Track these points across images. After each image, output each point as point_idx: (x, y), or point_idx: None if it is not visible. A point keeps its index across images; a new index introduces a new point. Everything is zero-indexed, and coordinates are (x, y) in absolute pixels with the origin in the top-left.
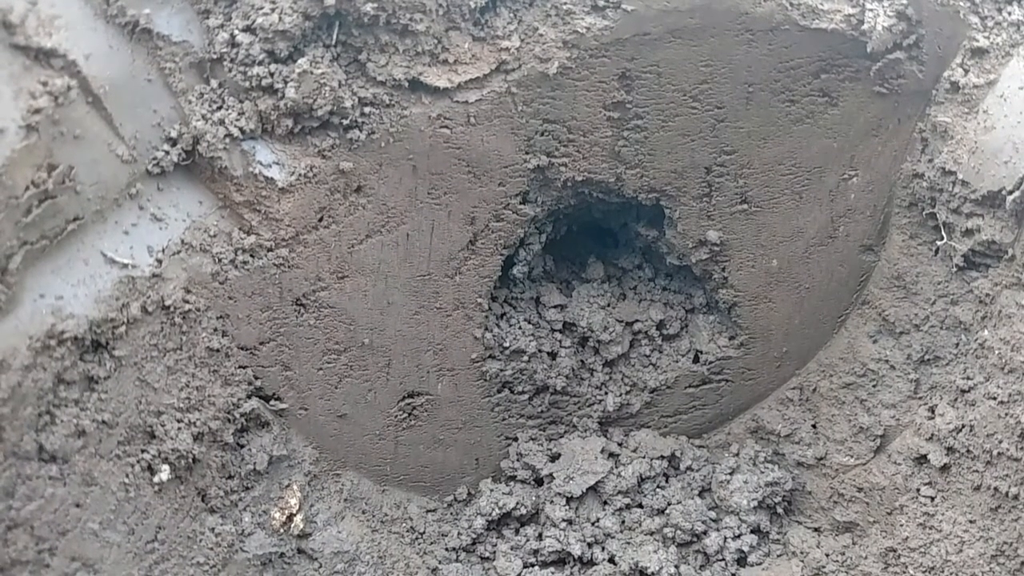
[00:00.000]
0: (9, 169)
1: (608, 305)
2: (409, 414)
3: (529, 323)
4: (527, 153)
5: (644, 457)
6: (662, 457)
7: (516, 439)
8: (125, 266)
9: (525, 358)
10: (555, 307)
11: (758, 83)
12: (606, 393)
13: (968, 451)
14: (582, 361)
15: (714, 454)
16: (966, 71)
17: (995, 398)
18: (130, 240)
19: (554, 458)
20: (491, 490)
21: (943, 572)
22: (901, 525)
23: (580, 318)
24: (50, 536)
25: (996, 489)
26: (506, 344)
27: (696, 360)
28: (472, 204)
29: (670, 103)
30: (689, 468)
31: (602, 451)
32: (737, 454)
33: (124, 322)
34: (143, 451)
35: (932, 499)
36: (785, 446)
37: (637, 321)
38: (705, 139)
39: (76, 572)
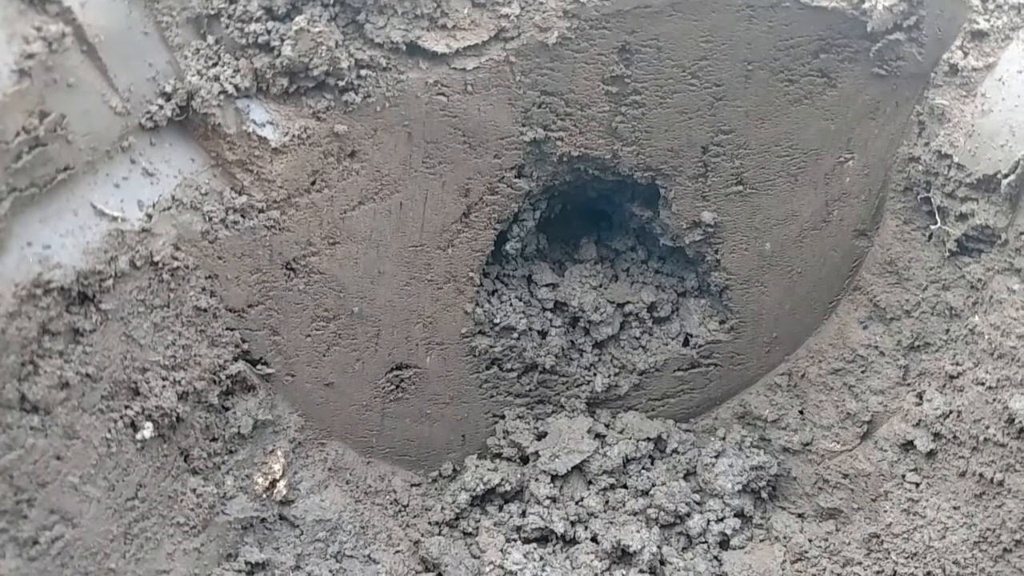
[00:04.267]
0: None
1: (600, 286)
2: (396, 386)
3: (520, 301)
4: (523, 125)
5: (630, 438)
6: (648, 439)
7: (503, 417)
8: (115, 219)
9: (515, 335)
10: (547, 286)
11: (757, 61)
12: (595, 374)
13: (955, 437)
14: (572, 341)
15: (700, 438)
16: (965, 54)
17: (983, 383)
18: (120, 193)
19: (540, 437)
20: (476, 466)
21: (925, 558)
22: (885, 511)
23: (571, 298)
24: (29, 487)
25: (981, 475)
26: (496, 320)
27: (686, 343)
28: (467, 175)
29: (669, 79)
30: (675, 451)
31: (588, 431)
32: (723, 438)
33: (112, 275)
34: (126, 407)
35: (917, 485)
36: (771, 431)
37: (628, 303)
38: (703, 117)
39: (54, 524)
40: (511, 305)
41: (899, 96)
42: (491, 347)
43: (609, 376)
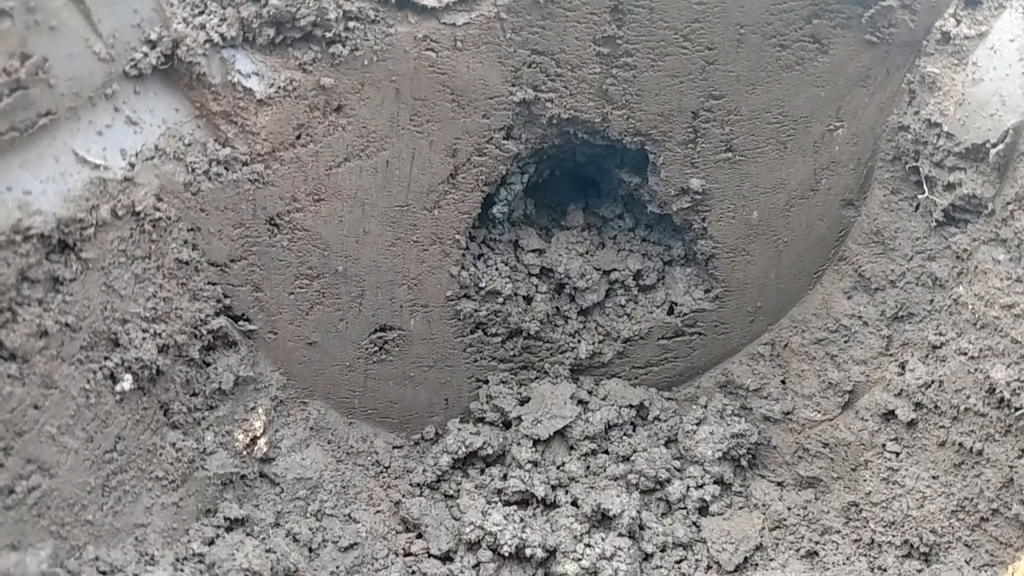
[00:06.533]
0: None
1: (586, 253)
2: (380, 348)
3: (506, 265)
4: (513, 85)
5: (613, 405)
6: (631, 406)
7: (487, 381)
8: (97, 167)
9: (500, 300)
10: (533, 251)
11: (750, 25)
12: (579, 341)
13: (936, 407)
14: (557, 307)
15: (682, 406)
16: (958, 21)
17: (965, 353)
18: (103, 141)
19: (523, 402)
20: (458, 429)
21: (903, 527)
22: (864, 480)
23: (558, 264)
24: (6, 435)
25: (961, 445)
26: (482, 284)
27: (671, 312)
28: (455, 135)
29: (661, 41)
30: (657, 418)
31: (571, 397)
32: (705, 406)
33: (93, 224)
34: (106, 358)
35: (897, 455)
36: (753, 400)
37: (614, 270)
38: (694, 81)
39: (31, 474)
40: (497, 269)
41: (890, 64)
42: (476, 311)
43: (593, 343)
